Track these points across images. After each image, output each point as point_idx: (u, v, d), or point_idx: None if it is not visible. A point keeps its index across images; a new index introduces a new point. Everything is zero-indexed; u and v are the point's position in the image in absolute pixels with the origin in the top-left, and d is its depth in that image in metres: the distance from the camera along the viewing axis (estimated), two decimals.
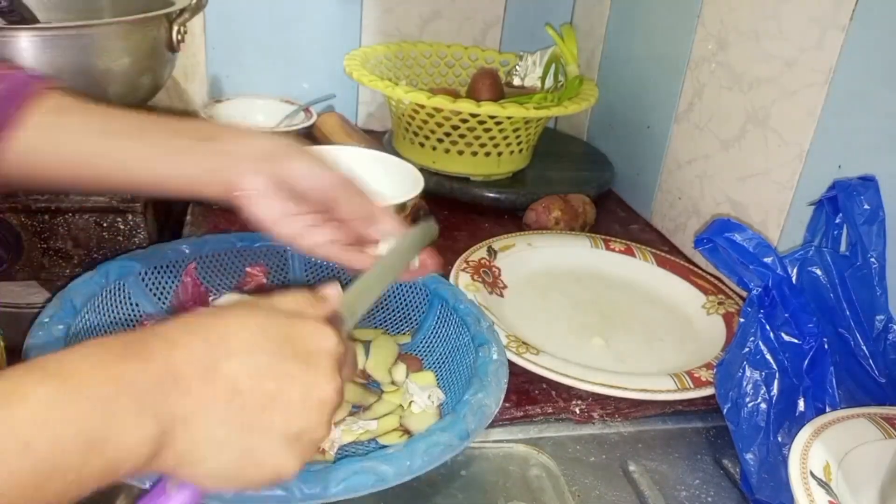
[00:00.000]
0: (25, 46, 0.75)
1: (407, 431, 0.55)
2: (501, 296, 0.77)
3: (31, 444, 0.30)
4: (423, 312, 0.67)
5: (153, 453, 0.34)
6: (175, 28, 0.89)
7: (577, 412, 0.62)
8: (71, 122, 0.53)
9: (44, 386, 0.31)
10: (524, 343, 0.66)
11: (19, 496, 0.30)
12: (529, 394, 0.63)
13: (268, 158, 0.53)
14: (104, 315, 0.60)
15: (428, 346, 0.65)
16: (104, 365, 0.33)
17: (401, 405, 0.58)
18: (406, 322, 0.68)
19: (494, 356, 0.57)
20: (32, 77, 0.54)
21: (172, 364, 0.35)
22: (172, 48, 0.90)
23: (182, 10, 0.90)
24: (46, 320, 0.54)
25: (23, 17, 0.81)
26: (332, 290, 0.45)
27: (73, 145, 0.52)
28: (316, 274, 0.71)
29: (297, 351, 0.38)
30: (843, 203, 0.63)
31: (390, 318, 0.68)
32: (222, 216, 0.87)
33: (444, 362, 0.62)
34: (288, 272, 0.72)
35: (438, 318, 0.65)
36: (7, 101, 0.51)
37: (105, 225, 0.78)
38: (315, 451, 0.40)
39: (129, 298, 0.63)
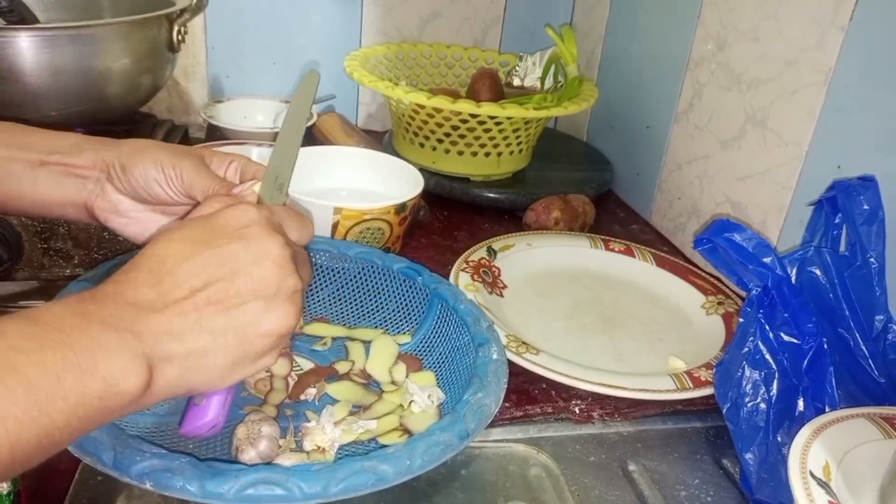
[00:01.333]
0: (25, 46, 0.75)
1: (407, 431, 0.55)
2: (501, 296, 0.77)
3: (18, 366, 0.32)
4: (423, 312, 0.67)
5: (151, 369, 0.37)
6: (175, 28, 0.89)
7: (577, 412, 0.62)
8: None
9: (17, 324, 0.33)
10: (524, 343, 0.66)
11: (24, 419, 0.31)
12: (529, 394, 0.63)
13: (114, 170, 0.50)
14: None
15: (428, 346, 0.65)
16: (67, 309, 0.36)
17: (401, 405, 0.58)
18: (406, 322, 0.68)
19: (494, 356, 0.57)
20: None
21: (126, 297, 0.38)
22: (173, 48, 0.91)
23: (182, 11, 0.90)
24: None
25: (23, 17, 0.81)
26: (245, 191, 0.49)
27: None
28: (322, 275, 0.71)
29: (229, 235, 0.42)
30: (842, 203, 0.63)
31: (390, 318, 0.69)
32: None
33: (444, 362, 0.62)
34: None
35: (438, 318, 0.65)
36: None
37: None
38: (299, 299, 0.44)
39: None
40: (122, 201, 0.51)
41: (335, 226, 0.74)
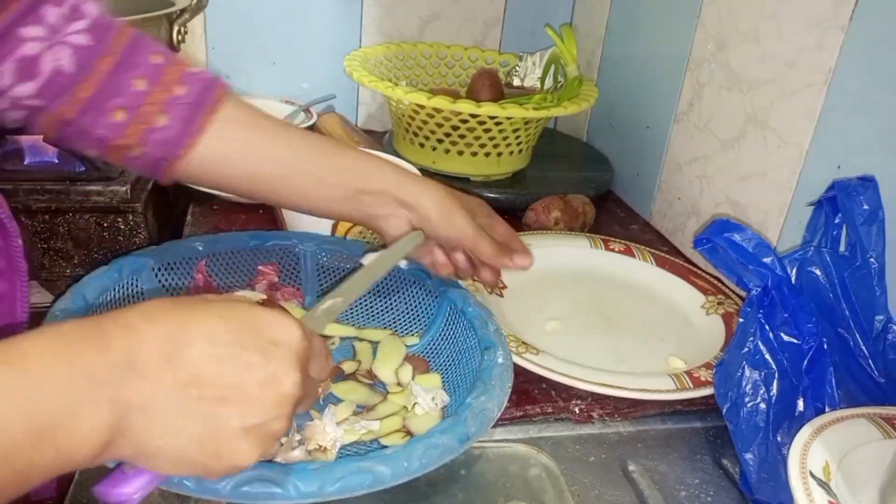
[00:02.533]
0: None
1: (410, 433, 0.55)
2: (501, 296, 0.77)
3: None
4: (432, 314, 0.67)
5: (107, 442, 0.34)
6: (175, 28, 0.90)
7: (577, 412, 0.62)
8: (256, 140, 0.57)
9: None
10: (524, 343, 0.66)
11: None
12: (529, 394, 0.63)
13: (406, 206, 0.59)
14: (115, 309, 0.60)
15: (435, 348, 0.65)
16: (59, 351, 0.33)
17: (405, 406, 0.58)
18: (415, 323, 0.68)
19: (500, 360, 0.57)
20: (214, 80, 0.56)
21: (130, 351, 0.34)
22: (173, 48, 0.91)
23: (182, 11, 0.90)
24: (58, 313, 0.54)
25: None
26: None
27: (256, 164, 0.57)
28: (327, 274, 0.72)
29: (258, 341, 0.38)
30: (842, 203, 0.63)
31: (399, 320, 0.68)
32: (222, 217, 0.87)
33: (450, 365, 0.62)
34: (300, 271, 0.72)
35: (447, 320, 0.65)
36: (198, 106, 0.54)
37: (105, 225, 0.78)
38: (274, 443, 0.40)
39: (142, 294, 0.63)
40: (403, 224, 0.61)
41: (335, 225, 0.74)
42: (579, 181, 1.04)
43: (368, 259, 0.59)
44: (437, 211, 0.59)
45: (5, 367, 0.31)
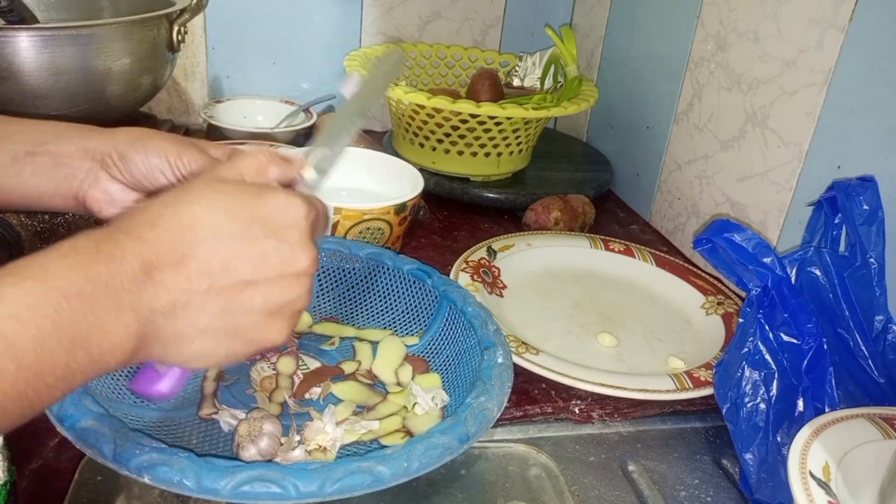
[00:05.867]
0: (25, 46, 0.75)
1: (409, 433, 0.55)
2: (501, 296, 0.77)
3: (15, 342, 0.30)
4: (432, 314, 0.67)
5: (137, 347, 0.35)
6: (175, 28, 0.90)
7: (577, 412, 0.62)
8: None
9: (20, 287, 0.31)
10: (524, 343, 0.66)
11: (10, 393, 0.30)
12: (529, 394, 0.63)
13: (110, 158, 0.48)
14: None
15: (435, 348, 0.65)
16: (78, 265, 0.33)
17: (405, 406, 0.58)
18: (415, 323, 0.68)
19: (500, 360, 0.57)
20: None
21: (143, 260, 0.35)
22: (172, 48, 0.91)
23: (182, 11, 0.90)
24: None
25: (22, 17, 0.81)
26: (293, 152, 0.46)
27: None
28: (328, 274, 0.71)
29: (268, 228, 0.39)
30: (842, 203, 0.63)
31: (399, 319, 0.68)
32: None
33: (450, 365, 0.62)
34: None
35: (446, 320, 0.65)
36: None
37: (106, 225, 0.78)
38: (299, 316, 0.42)
39: None
40: (116, 190, 0.49)
41: (335, 226, 0.74)
42: (579, 181, 1.04)
43: (350, 89, 0.49)
44: (128, 135, 0.49)
45: (32, 283, 0.32)
